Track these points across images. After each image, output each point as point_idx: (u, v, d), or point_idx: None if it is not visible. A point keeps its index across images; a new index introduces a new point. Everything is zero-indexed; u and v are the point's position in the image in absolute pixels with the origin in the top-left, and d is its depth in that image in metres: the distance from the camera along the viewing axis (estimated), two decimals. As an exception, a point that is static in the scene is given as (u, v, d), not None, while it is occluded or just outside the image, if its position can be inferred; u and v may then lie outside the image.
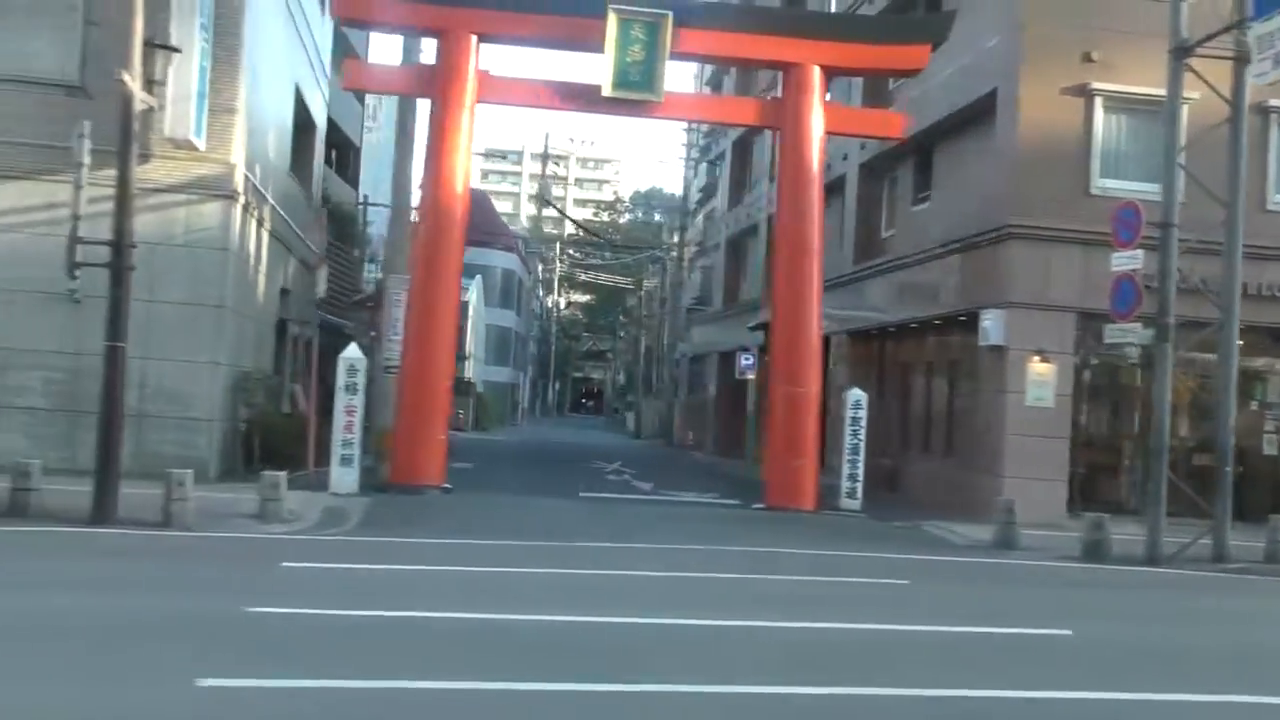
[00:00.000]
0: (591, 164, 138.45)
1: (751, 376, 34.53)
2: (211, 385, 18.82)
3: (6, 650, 7.06)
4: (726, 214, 40.13)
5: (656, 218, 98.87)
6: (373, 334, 24.66)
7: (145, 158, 18.76)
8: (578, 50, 20.25)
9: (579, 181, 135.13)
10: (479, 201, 39.30)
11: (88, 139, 14.86)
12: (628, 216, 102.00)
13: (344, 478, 18.45)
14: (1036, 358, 19.60)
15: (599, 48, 19.14)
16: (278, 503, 15.32)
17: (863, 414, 19.69)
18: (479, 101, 19.29)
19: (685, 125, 49.30)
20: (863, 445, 19.75)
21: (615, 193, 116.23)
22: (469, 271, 33.84)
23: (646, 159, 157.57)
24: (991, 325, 19.89)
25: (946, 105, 22.53)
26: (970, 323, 21.30)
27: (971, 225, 21.21)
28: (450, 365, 20.09)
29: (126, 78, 14.21)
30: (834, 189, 28.42)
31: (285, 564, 11.16)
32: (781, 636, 9.02)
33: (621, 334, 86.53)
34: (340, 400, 18.67)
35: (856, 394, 19.93)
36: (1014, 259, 19.82)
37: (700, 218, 47.17)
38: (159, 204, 18.59)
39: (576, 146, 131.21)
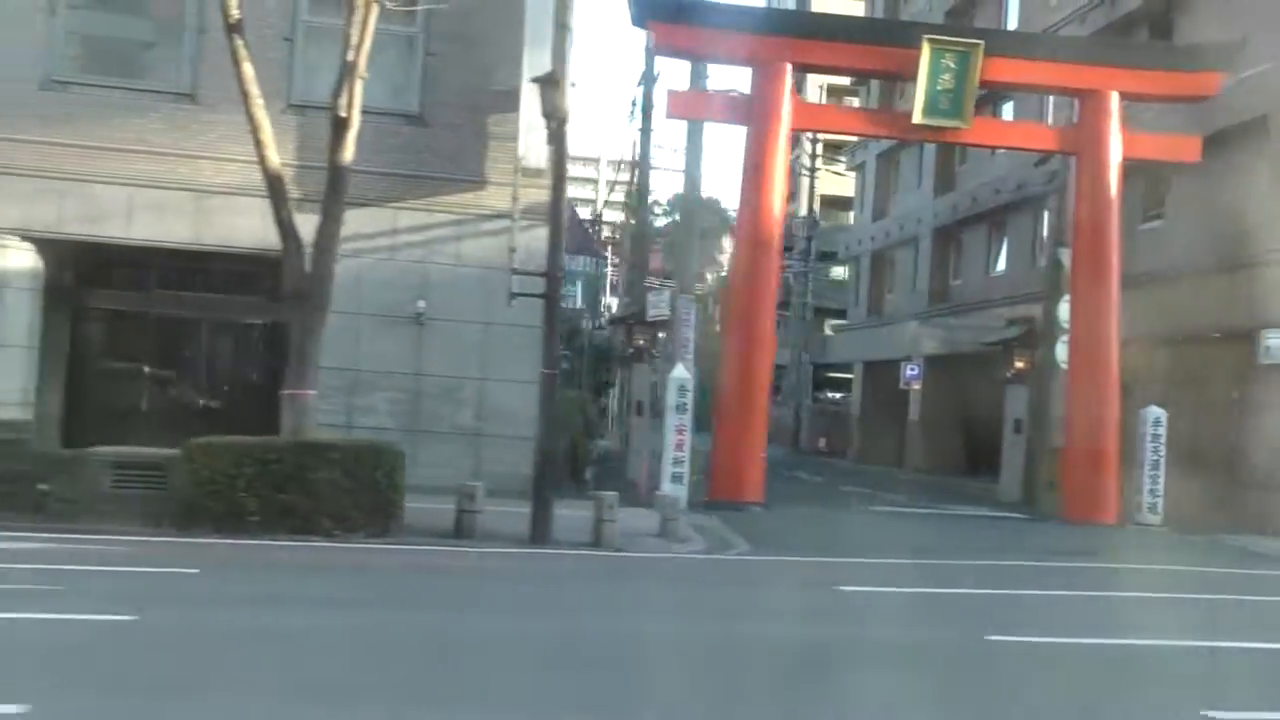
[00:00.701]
0: (624, 165, 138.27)
1: (917, 387, 35.14)
2: (533, 403, 19.32)
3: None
4: (870, 225, 40.56)
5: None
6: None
7: (482, 185, 19.45)
8: (886, 79, 20.84)
9: (610, 184, 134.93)
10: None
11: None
12: (664, 220, 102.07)
13: (676, 495, 18.98)
14: (1321, 376, 20.25)
15: (906, 76, 19.70)
16: (675, 523, 16.00)
17: (1162, 431, 20.27)
18: (793, 129, 19.86)
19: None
20: (1163, 461, 20.35)
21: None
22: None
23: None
24: (1276, 344, 20.52)
25: (1197, 127, 23.07)
26: (1227, 339, 21.94)
27: (1239, 246, 21.76)
28: (768, 384, 20.58)
29: (561, 110, 14.82)
30: (1021, 205, 29.10)
31: (840, 588, 11.65)
32: None
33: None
34: (670, 420, 19.22)
35: (1156, 412, 20.53)
36: (1301, 279, 20.47)
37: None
38: (494, 229, 19.09)
39: (607, 149, 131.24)
